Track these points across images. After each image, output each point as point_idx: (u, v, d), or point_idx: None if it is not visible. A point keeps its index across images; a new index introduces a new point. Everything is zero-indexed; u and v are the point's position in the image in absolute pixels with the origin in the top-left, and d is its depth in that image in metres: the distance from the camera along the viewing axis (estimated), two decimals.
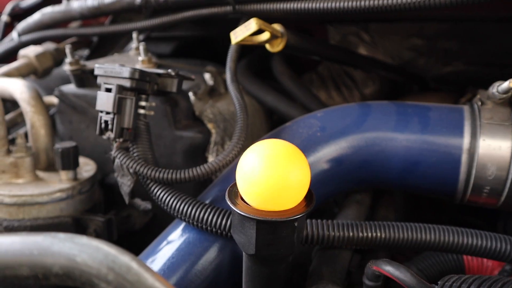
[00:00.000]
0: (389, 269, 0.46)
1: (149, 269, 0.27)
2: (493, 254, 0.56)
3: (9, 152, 0.70)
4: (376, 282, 0.49)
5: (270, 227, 0.45)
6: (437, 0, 0.65)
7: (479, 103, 0.67)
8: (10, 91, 0.75)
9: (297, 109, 1.05)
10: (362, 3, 0.69)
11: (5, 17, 1.24)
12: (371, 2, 0.69)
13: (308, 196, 0.48)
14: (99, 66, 0.61)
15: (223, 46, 0.97)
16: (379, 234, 0.58)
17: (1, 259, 0.26)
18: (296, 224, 0.46)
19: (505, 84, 0.62)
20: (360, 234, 0.57)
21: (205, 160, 0.82)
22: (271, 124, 1.16)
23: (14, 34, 1.09)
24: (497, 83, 0.64)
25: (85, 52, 1.21)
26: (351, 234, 0.57)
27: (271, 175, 0.43)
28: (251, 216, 0.44)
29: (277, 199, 0.45)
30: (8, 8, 1.27)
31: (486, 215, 0.98)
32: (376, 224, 0.59)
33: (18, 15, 1.28)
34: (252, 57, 1.23)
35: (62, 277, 0.27)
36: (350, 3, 0.69)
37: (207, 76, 1.00)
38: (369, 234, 0.58)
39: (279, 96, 1.07)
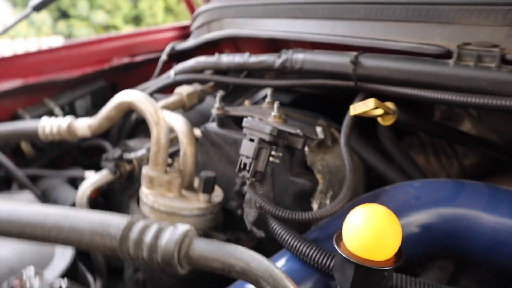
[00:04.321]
0: None
1: (291, 280, 0.43)
2: None
3: (166, 171, 0.93)
4: None
5: (365, 272, 0.58)
6: None
7: None
8: (173, 124, 0.99)
9: (394, 172, 1.15)
10: (477, 99, 0.79)
11: (164, 57, 1.56)
12: (490, 101, 0.78)
13: (398, 253, 0.61)
14: (247, 121, 0.81)
15: (334, 103, 1.12)
16: None
17: (209, 257, 0.44)
18: (386, 274, 0.59)
19: None
20: None
21: (309, 205, 0.98)
22: (369, 179, 1.27)
23: (171, 73, 1.38)
24: None
25: (221, 92, 1.46)
26: None
27: (372, 232, 0.56)
28: (352, 260, 0.58)
29: (374, 251, 0.58)
30: (167, 48, 1.58)
31: None
32: None
33: (174, 55, 1.59)
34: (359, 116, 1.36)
35: (240, 273, 0.43)
36: (464, 98, 0.79)
37: (318, 129, 1.16)
38: None
39: (379, 157, 1.18)
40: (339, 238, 0.63)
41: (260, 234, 0.85)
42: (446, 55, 0.83)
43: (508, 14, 0.80)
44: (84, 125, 1.04)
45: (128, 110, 1.34)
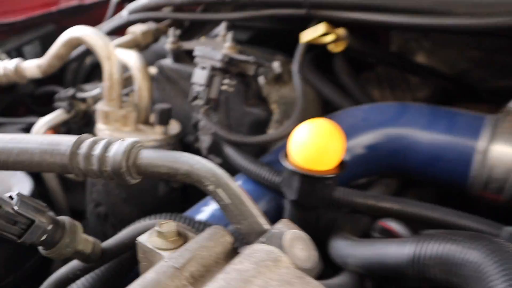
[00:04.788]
0: (393, 225, 0.62)
1: (232, 179, 0.46)
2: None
3: (121, 106, 0.93)
4: (381, 234, 0.66)
5: (309, 181, 0.62)
6: None
7: (502, 115, 0.79)
8: (126, 60, 0.98)
9: (349, 103, 1.19)
10: (423, 20, 0.82)
11: None
12: (434, 21, 0.81)
13: (341, 165, 0.65)
14: (199, 49, 0.81)
15: (292, 39, 1.13)
16: (394, 206, 0.73)
17: (156, 163, 0.47)
18: (329, 182, 0.63)
19: None
20: (378, 204, 0.73)
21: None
22: (326, 112, 1.31)
23: (124, 13, 1.33)
24: None
25: (177, 31, 1.43)
26: (370, 202, 0.73)
27: (315, 142, 0.60)
28: (297, 171, 0.62)
29: (317, 162, 0.62)
30: None
31: None
32: (394, 198, 0.74)
33: None
34: (317, 52, 1.38)
35: (184, 176, 0.46)
36: (411, 19, 0.82)
37: (276, 64, 1.17)
38: (386, 205, 0.73)
39: (335, 89, 1.22)
40: (286, 153, 0.66)
41: (216, 160, 0.88)
42: None
43: None
44: (32, 65, 1.01)
45: (84, 52, 1.31)
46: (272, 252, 0.41)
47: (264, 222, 0.46)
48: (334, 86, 1.24)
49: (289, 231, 0.44)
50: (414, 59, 1.51)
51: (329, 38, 0.88)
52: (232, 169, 0.83)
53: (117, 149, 0.48)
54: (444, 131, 0.81)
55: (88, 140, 0.50)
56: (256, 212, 0.46)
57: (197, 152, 1.00)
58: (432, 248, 0.52)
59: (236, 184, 0.46)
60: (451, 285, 0.51)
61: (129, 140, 0.50)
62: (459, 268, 0.48)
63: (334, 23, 0.88)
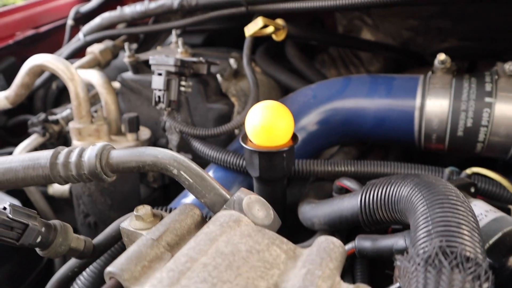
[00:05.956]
0: (346, 182, 0.71)
1: (191, 161, 0.54)
2: None
3: (92, 122, 1.00)
4: (338, 193, 0.75)
5: (267, 157, 0.70)
6: None
7: (430, 73, 0.89)
8: (89, 79, 1.04)
9: (304, 85, 1.28)
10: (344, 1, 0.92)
11: (70, 21, 1.55)
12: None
13: (294, 138, 0.73)
14: (152, 58, 0.89)
15: (242, 36, 1.22)
16: (350, 169, 0.82)
17: (125, 160, 0.54)
18: (284, 155, 0.71)
19: (442, 57, 0.85)
20: (335, 169, 0.82)
21: None
22: None
23: (80, 35, 1.39)
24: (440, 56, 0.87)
25: (134, 45, 1.50)
26: (329, 168, 0.82)
27: (264, 122, 0.68)
28: (255, 150, 0.70)
29: (271, 139, 0.70)
30: (72, 13, 1.57)
31: None
32: (349, 161, 0.83)
33: (80, 18, 1.58)
34: (270, 43, 1.46)
35: (151, 166, 0.54)
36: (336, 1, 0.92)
37: (231, 61, 1.25)
38: (342, 169, 0.82)
39: (291, 75, 1.30)
40: (245, 136, 0.74)
41: (187, 156, 0.96)
42: None
43: None
44: (0, 97, 1.07)
45: (48, 78, 1.36)
46: (233, 215, 0.49)
47: (225, 193, 0.53)
48: (289, 72, 1.32)
49: (246, 197, 0.52)
50: (361, 36, 1.61)
51: (270, 29, 0.96)
52: (203, 162, 0.92)
53: (90, 154, 0.55)
54: (385, 95, 0.90)
55: (64, 150, 0.57)
56: (216, 185, 0.54)
57: None
58: (374, 193, 0.61)
59: (196, 165, 0.54)
60: (396, 222, 0.60)
61: (99, 144, 0.57)
62: (396, 204, 0.57)
63: (272, 15, 0.97)
